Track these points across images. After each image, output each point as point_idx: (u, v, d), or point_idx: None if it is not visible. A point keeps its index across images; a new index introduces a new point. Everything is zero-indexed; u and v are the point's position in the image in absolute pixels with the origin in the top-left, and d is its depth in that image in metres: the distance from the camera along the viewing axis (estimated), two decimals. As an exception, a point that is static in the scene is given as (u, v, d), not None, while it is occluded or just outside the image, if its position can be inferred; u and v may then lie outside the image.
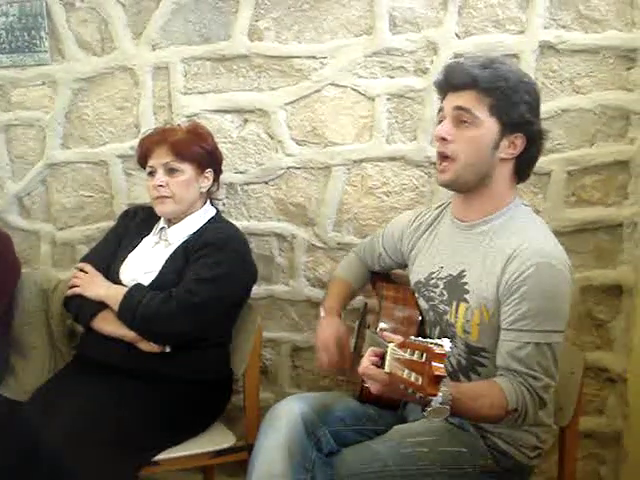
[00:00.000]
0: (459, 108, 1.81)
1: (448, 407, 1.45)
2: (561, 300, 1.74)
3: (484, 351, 1.83)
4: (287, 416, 1.93)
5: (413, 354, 1.42)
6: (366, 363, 1.58)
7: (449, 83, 1.86)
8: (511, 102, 1.79)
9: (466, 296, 1.84)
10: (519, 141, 1.82)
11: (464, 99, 1.81)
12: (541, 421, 1.86)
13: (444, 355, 1.36)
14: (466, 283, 1.85)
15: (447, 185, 1.90)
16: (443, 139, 1.84)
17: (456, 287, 1.87)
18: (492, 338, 1.80)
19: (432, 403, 1.38)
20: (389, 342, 1.52)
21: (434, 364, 1.35)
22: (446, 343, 1.39)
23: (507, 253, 1.77)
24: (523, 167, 1.88)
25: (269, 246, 2.69)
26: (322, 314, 2.20)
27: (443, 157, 1.85)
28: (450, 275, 1.90)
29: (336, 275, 2.36)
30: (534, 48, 2.39)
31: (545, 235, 1.82)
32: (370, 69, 2.52)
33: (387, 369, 1.49)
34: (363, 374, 1.59)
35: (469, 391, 1.68)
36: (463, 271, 1.87)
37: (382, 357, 1.55)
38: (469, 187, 1.87)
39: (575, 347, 2.25)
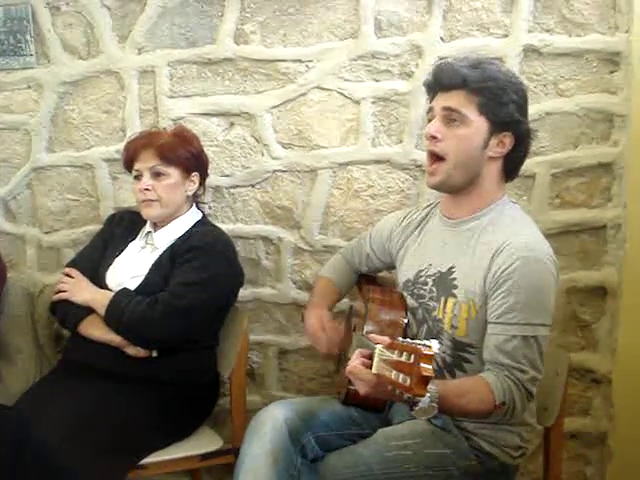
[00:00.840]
0: (448, 109, 1.84)
1: (435, 405, 1.46)
2: (547, 294, 1.76)
3: (471, 347, 1.84)
4: (271, 423, 1.94)
5: (401, 355, 1.42)
6: (354, 363, 1.58)
7: (439, 83, 1.88)
8: (500, 102, 1.81)
9: (454, 291, 1.85)
10: (507, 140, 1.85)
11: (453, 99, 1.83)
12: (524, 420, 1.87)
13: (432, 356, 1.36)
14: (455, 279, 1.86)
15: (437, 187, 1.92)
16: (433, 137, 1.85)
17: (445, 283, 1.89)
18: (479, 333, 1.81)
19: (420, 404, 1.39)
20: (376, 344, 1.53)
21: (422, 365, 1.35)
22: (434, 344, 1.40)
23: (494, 247, 1.79)
24: (511, 166, 1.91)
25: (255, 249, 2.69)
26: (305, 312, 2.22)
27: (433, 157, 1.87)
28: (439, 272, 1.92)
29: (320, 275, 2.36)
30: (518, 51, 2.41)
31: (532, 231, 1.85)
32: (356, 72, 2.52)
33: (375, 370, 1.49)
34: (350, 374, 1.59)
35: (455, 388, 1.69)
36: (452, 267, 1.88)
37: (370, 358, 1.56)
38: (458, 188, 1.89)
39: (560, 348, 2.26)
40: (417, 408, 1.42)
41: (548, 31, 2.41)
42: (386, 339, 1.52)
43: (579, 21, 2.39)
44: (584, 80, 2.41)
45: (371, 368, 1.51)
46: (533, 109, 2.38)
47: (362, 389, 1.58)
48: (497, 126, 1.83)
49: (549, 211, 2.47)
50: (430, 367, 1.35)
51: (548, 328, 1.77)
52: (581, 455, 2.60)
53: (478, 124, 1.82)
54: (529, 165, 2.41)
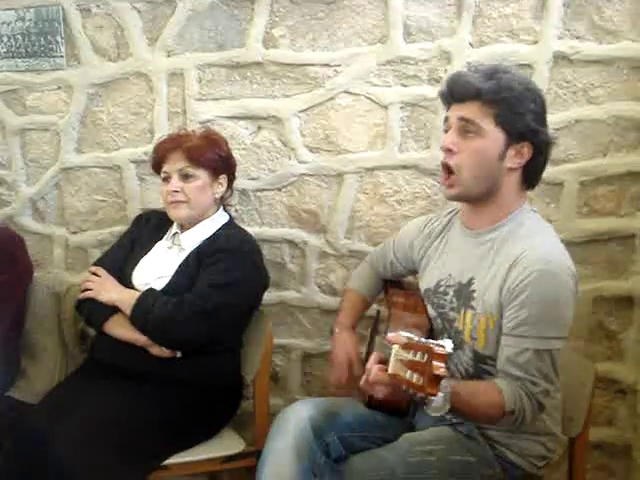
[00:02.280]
0: (463, 119, 1.81)
1: (448, 402, 1.47)
2: (562, 307, 1.74)
3: (491, 359, 1.83)
4: (296, 420, 1.93)
5: (415, 355, 1.43)
6: (372, 371, 1.58)
7: (453, 94, 1.86)
8: (516, 112, 1.78)
9: (473, 303, 1.84)
10: (526, 150, 1.81)
11: (468, 110, 1.81)
12: (549, 430, 1.86)
13: (445, 355, 1.36)
14: (474, 291, 1.85)
15: (455, 199, 1.91)
16: (449, 150, 1.83)
17: (465, 294, 1.88)
18: (498, 345, 1.80)
19: (433, 404, 1.39)
20: (393, 344, 1.52)
21: (435, 363, 1.36)
22: (448, 344, 1.40)
23: (511, 259, 1.77)
24: (531, 175, 1.88)
25: (281, 252, 2.70)
26: (336, 330, 2.21)
27: (446, 170, 1.85)
28: (459, 283, 1.91)
29: (349, 288, 2.36)
30: (548, 58, 2.40)
31: (551, 242, 1.82)
32: (384, 77, 2.52)
33: (391, 370, 1.49)
34: (367, 383, 1.59)
35: (468, 388, 1.70)
36: (472, 279, 1.87)
37: (386, 362, 1.55)
38: (478, 198, 1.87)
39: (586, 358, 2.25)
40: (429, 404, 1.42)
41: (578, 38, 2.39)
42: (402, 339, 1.51)
43: (610, 28, 2.37)
44: (614, 88, 2.40)
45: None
46: (562, 116, 2.40)
47: (380, 393, 1.58)
48: (514, 137, 1.80)
49: (577, 219, 2.46)
50: (443, 365, 1.35)
51: (563, 341, 1.75)
52: (605, 466, 2.58)
53: (494, 136, 1.79)
54: (558, 173, 2.41)
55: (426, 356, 1.38)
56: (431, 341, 1.43)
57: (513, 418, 1.70)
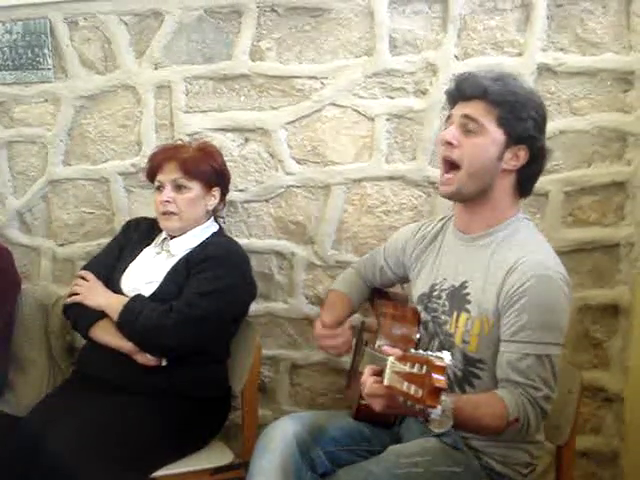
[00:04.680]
0: (467, 117, 1.84)
1: (450, 417, 1.47)
2: (560, 313, 1.76)
3: (481, 362, 1.84)
4: (281, 437, 1.93)
5: (413, 367, 1.42)
6: (368, 382, 1.57)
7: (460, 92, 1.89)
8: (519, 116, 1.81)
9: (468, 306, 1.85)
10: (522, 153, 1.84)
11: (473, 108, 1.84)
12: (533, 438, 1.87)
13: (444, 367, 1.36)
14: (468, 294, 1.86)
15: (450, 197, 1.92)
16: (449, 143, 1.86)
17: (458, 297, 1.89)
18: (490, 349, 1.81)
19: (432, 416, 1.39)
20: (388, 356, 1.53)
21: (434, 376, 1.35)
22: (446, 356, 1.39)
23: (508, 265, 1.79)
24: (524, 181, 1.90)
25: (268, 264, 2.70)
26: (317, 325, 2.18)
27: (447, 164, 1.87)
28: (452, 286, 1.92)
29: (332, 288, 2.35)
30: (532, 70, 2.42)
31: (546, 250, 1.85)
32: (370, 90, 2.54)
33: (387, 382, 1.48)
34: (367, 395, 1.58)
35: (470, 401, 1.69)
36: (465, 282, 1.88)
37: (380, 374, 1.56)
38: (471, 197, 1.89)
39: (572, 366, 2.26)
40: (431, 419, 1.41)
41: (562, 50, 2.42)
42: (398, 351, 1.52)
43: (593, 40, 2.40)
44: (598, 99, 2.42)
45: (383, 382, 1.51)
46: (547, 127, 2.40)
47: (377, 406, 1.57)
48: (513, 139, 1.83)
49: (562, 229, 2.48)
50: (443, 378, 1.35)
51: (560, 347, 1.76)
52: (592, 474, 2.59)
53: (495, 135, 1.82)
54: (543, 183, 2.40)
55: (424, 368, 1.38)
56: (429, 353, 1.42)
57: (519, 426, 1.69)
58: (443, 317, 1.92)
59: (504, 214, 1.90)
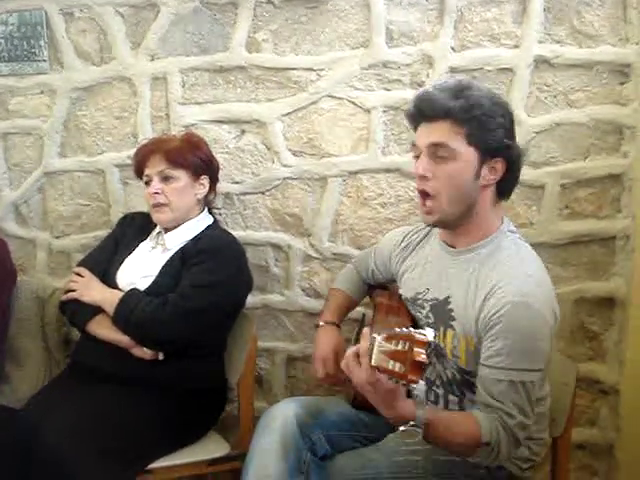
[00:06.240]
0: (434, 145, 1.77)
1: (420, 430, 1.49)
2: (537, 339, 1.71)
3: (475, 375, 1.81)
4: (282, 418, 1.93)
5: (398, 344, 1.43)
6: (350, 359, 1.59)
7: (421, 113, 1.82)
8: (488, 129, 1.75)
9: (453, 323, 1.83)
10: (499, 165, 1.79)
11: (438, 133, 1.77)
12: (535, 436, 1.86)
13: (426, 342, 1.37)
14: (452, 310, 1.84)
15: (434, 225, 1.89)
16: (423, 177, 1.80)
17: (442, 312, 1.86)
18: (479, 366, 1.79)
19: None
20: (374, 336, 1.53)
21: (416, 350, 1.37)
22: (429, 332, 1.40)
23: (487, 288, 1.75)
24: (505, 189, 1.86)
25: (265, 256, 2.70)
26: (320, 323, 2.20)
27: (424, 195, 1.82)
28: (436, 299, 1.90)
29: (334, 286, 2.36)
30: (529, 62, 2.41)
31: (529, 270, 1.77)
32: (366, 81, 2.53)
33: (374, 362, 1.49)
34: (358, 385, 1.59)
35: (444, 418, 1.69)
36: (449, 297, 1.86)
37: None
38: (456, 221, 1.84)
39: (568, 358, 2.26)
40: (402, 428, 1.46)
41: (559, 42, 2.41)
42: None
43: (590, 32, 2.39)
44: (594, 91, 2.42)
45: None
46: (543, 119, 2.42)
47: (359, 384, 1.58)
48: (487, 154, 1.76)
49: (558, 221, 2.48)
50: (423, 351, 1.36)
51: (538, 373, 1.72)
52: (588, 466, 2.60)
53: (468, 156, 1.75)
54: (539, 176, 2.43)
55: (407, 344, 1.39)
56: (412, 330, 1.43)
57: (489, 449, 1.68)
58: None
59: (488, 227, 1.85)
